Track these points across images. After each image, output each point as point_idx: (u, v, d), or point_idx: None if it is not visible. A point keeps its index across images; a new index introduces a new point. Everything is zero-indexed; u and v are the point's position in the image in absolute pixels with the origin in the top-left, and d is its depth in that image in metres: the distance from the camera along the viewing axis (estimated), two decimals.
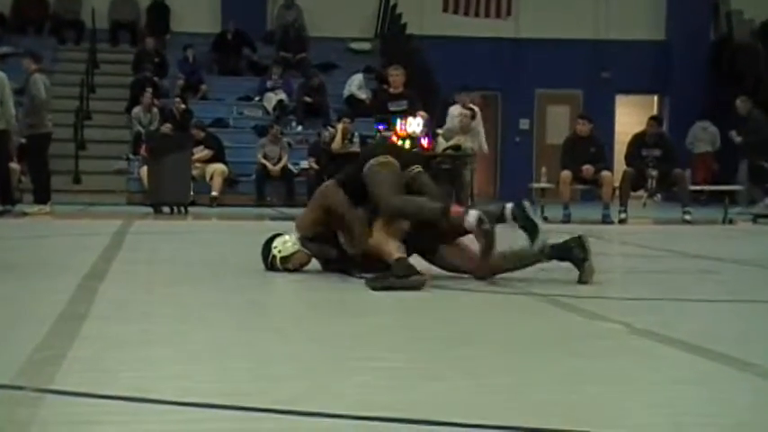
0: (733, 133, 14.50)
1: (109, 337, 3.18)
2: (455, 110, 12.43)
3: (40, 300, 4.08)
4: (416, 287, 4.28)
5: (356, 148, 12.29)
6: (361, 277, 4.50)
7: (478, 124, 12.34)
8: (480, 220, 4.38)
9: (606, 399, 2.42)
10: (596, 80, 19.21)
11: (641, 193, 11.51)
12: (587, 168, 10.89)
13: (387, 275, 4.32)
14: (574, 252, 4.65)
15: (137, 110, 15.14)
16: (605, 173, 11.02)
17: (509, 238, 4.71)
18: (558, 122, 18.96)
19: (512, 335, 3.40)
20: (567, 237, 4.72)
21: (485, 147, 12.52)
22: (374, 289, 4.27)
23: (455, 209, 4.44)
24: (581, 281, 4.64)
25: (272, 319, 3.74)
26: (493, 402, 2.37)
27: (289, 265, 4.95)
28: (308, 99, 16.11)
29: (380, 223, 4.53)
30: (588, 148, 10.99)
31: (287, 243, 4.97)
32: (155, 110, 15.05)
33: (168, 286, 4.60)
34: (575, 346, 3.19)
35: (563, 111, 19.36)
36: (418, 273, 4.35)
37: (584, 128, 11.11)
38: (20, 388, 2.38)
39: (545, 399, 2.41)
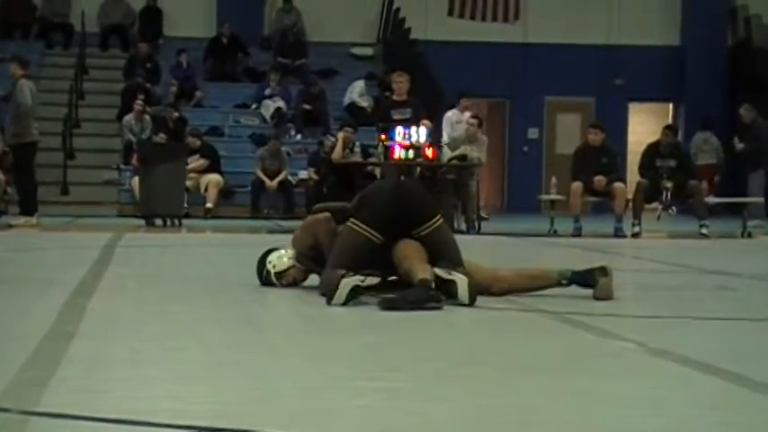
0: (735, 140, 14.57)
1: (98, 356, 3.18)
2: (454, 116, 12.43)
3: (25, 317, 4.08)
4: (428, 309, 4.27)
5: (358, 158, 12.30)
6: (376, 295, 4.49)
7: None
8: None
9: (618, 421, 2.42)
10: (608, 87, 19.23)
11: (655, 205, 11.51)
12: (599, 179, 10.89)
13: (400, 298, 4.32)
14: (597, 279, 4.69)
15: (128, 118, 15.17)
16: (618, 184, 11.02)
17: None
18: (569, 131, 18.97)
19: (519, 354, 3.40)
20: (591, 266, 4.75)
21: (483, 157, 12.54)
22: (383, 309, 4.27)
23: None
24: (595, 297, 4.66)
25: (268, 336, 3.73)
26: (498, 425, 2.36)
27: (283, 280, 4.97)
28: (307, 107, 16.14)
29: (410, 246, 4.55)
30: (600, 159, 10.99)
31: (282, 258, 4.99)
32: (147, 118, 15.08)
33: (160, 303, 4.60)
34: (585, 365, 3.19)
35: (573, 119, 19.38)
36: (436, 299, 4.32)
37: (595, 137, 11.11)
38: (5, 410, 2.38)
39: (553, 421, 2.40)
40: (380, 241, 4.59)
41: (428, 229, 4.64)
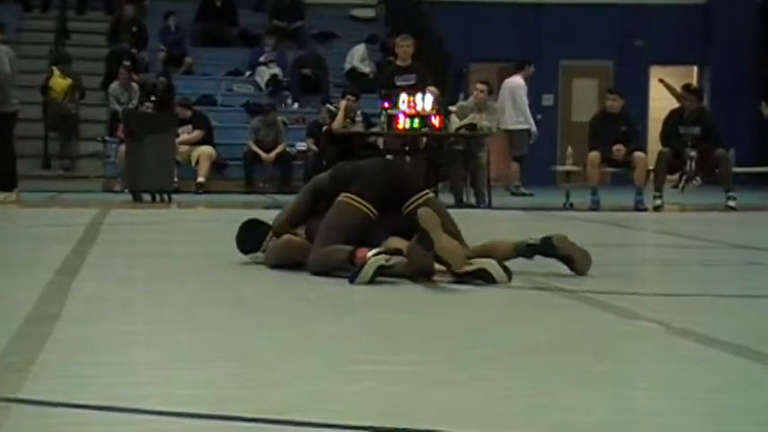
0: (763, 105, 14.50)
1: (83, 339, 3.19)
2: (519, 87, 12.60)
3: (5, 299, 4.09)
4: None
5: (360, 127, 12.27)
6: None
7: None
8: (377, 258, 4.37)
9: (639, 406, 2.42)
10: (628, 50, 19.15)
11: (679, 176, 11.49)
12: (618, 149, 10.87)
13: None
14: (558, 247, 4.71)
15: (114, 86, 15.14)
16: (638, 154, 11.00)
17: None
18: (585, 98, 18.91)
19: (533, 335, 3.40)
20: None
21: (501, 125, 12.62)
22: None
23: (359, 253, 4.42)
24: (577, 272, 4.68)
25: (264, 317, 3.74)
26: (510, 410, 2.37)
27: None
28: (305, 72, 16.09)
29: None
30: (619, 127, 10.97)
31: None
32: (134, 86, 15.04)
33: (149, 283, 4.61)
34: (604, 347, 3.19)
35: (590, 84, 19.31)
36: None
37: (614, 103, 11.09)
38: None
39: (569, 406, 2.40)
40: (375, 217, 4.60)
41: (418, 201, 4.66)
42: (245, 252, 5.13)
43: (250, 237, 5.13)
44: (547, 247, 4.71)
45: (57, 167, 14.78)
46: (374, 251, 4.38)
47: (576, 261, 4.70)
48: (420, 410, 2.35)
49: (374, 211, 4.63)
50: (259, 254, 5.05)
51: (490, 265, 4.48)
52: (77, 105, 14.93)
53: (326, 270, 4.61)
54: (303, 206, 4.97)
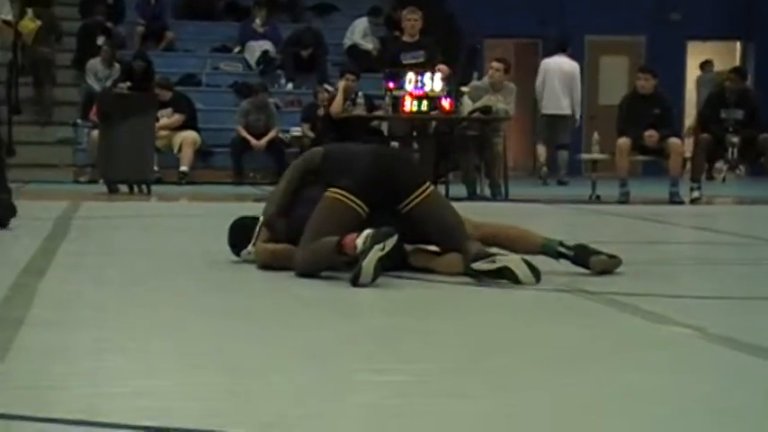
0: None
1: (50, 346, 3.19)
2: (557, 65, 12.87)
3: None
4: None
5: (361, 110, 12.29)
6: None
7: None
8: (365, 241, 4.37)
9: (673, 423, 2.42)
10: (662, 23, 19.13)
11: (720, 164, 11.50)
12: (650, 134, 10.87)
13: None
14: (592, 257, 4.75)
15: (94, 62, 15.11)
16: (673, 140, 11.00)
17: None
18: (614, 77, 18.91)
19: (555, 342, 3.40)
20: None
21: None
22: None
23: (348, 242, 4.43)
24: (594, 270, 4.71)
25: (254, 322, 3.74)
26: (530, 426, 2.37)
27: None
28: (301, 51, 16.09)
29: None
30: (651, 110, 10.96)
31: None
32: (117, 65, 15.04)
33: (126, 284, 4.61)
34: (634, 356, 3.19)
35: (620, 63, 19.31)
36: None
37: (646, 84, 11.08)
38: None
39: (594, 422, 2.40)
40: (365, 215, 4.61)
41: (417, 199, 4.66)
42: (238, 253, 5.12)
43: (240, 236, 5.12)
44: (580, 260, 4.72)
45: (30, 114, 14.74)
46: (363, 235, 4.34)
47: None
48: (428, 426, 2.35)
49: (365, 209, 4.62)
50: (250, 247, 5.04)
51: (515, 263, 4.47)
52: (53, 51, 14.96)
53: (315, 269, 4.61)
54: (293, 186, 4.94)
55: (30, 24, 14.32)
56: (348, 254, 4.40)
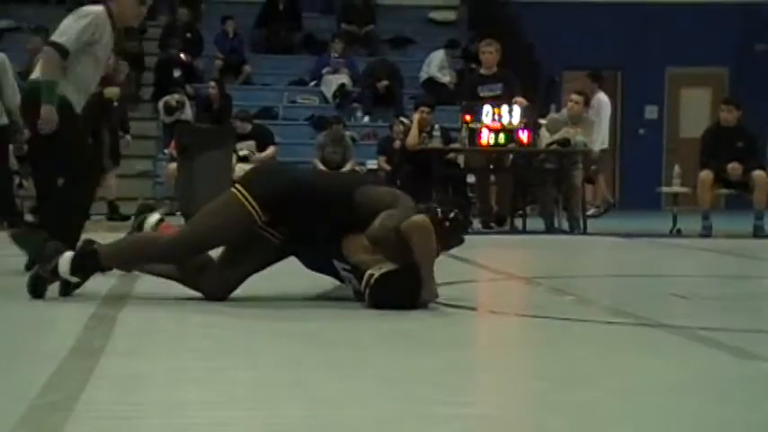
0: None
1: (130, 375, 3.22)
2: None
3: (47, 331, 4.16)
4: None
5: (437, 143, 12.30)
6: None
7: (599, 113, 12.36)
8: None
9: None
10: (747, 54, 18.90)
11: None
12: (734, 167, 10.74)
13: None
14: None
15: (168, 99, 15.29)
16: (758, 173, 10.84)
17: None
18: (696, 110, 18.71)
19: (638, 376, 3.36)
20: None
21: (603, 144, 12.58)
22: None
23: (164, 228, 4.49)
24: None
25: (332, 352, 3.74)
26: None
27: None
28: (377, 84, 16.15)
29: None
30: (735, 142, 10.84)
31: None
32: (187, 102, 15.20)
33: (202, 313, 4.65)
34: (721, 391, 3.13)
35: (702, 95, 19.10)
36: None
37: (729, 116, 10.97)
38: None
39: None
40: (261, 221, 4.71)
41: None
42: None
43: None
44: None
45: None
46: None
47: None
48: None
49: (261, 215, 4.71)
50: None
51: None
52: (132, 105, 15.23)
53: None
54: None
55: (114, 90, 14.55)
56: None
